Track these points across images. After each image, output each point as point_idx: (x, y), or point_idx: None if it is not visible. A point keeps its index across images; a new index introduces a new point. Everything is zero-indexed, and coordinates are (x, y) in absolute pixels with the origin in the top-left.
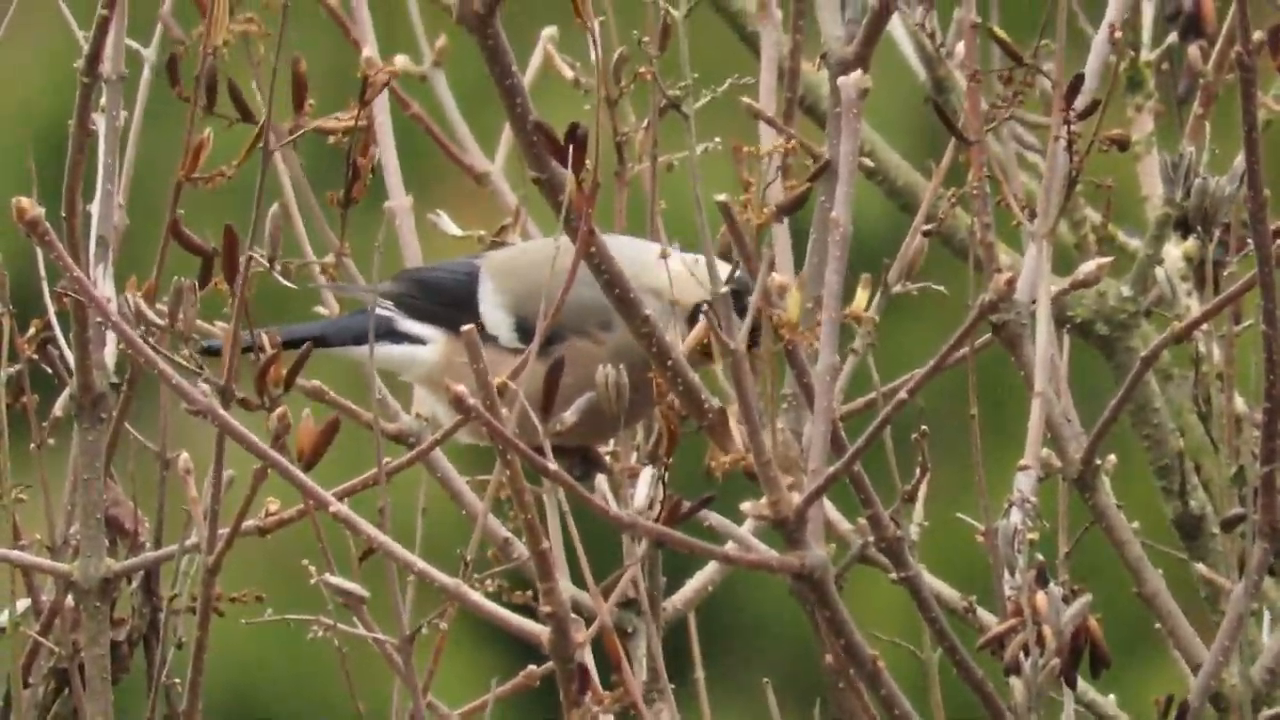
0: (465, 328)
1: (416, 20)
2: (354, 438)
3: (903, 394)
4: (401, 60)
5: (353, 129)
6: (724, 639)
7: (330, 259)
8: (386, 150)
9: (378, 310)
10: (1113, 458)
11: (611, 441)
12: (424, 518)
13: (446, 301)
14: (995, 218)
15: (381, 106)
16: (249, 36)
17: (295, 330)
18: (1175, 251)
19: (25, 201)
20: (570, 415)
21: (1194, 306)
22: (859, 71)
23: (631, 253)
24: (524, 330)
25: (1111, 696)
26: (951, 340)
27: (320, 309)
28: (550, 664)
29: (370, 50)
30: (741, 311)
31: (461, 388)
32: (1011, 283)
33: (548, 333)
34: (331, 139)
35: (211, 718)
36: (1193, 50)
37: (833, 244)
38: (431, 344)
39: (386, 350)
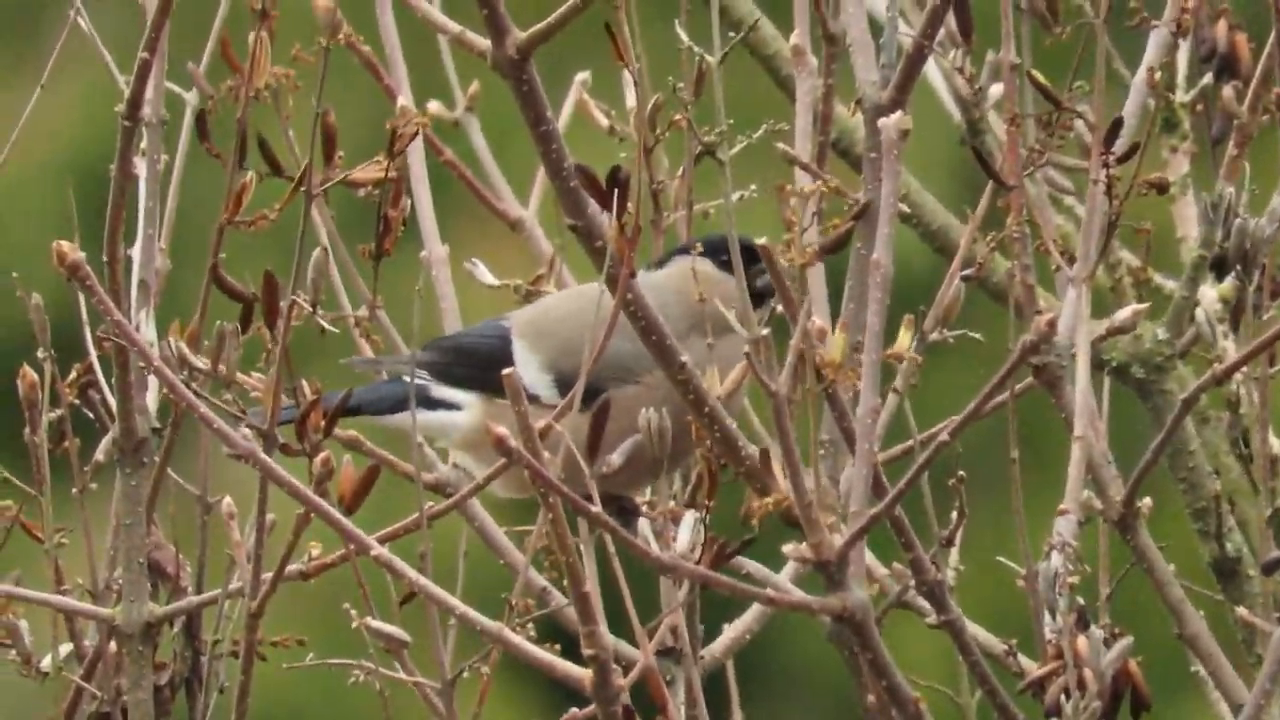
0: (506, 372)
1: (450, 65)
2: (390, 489)
3: (943, 435)
4: (434, 106)
5: (383, 181)
6: (760, 686)
7: (364, 311)
8: (421, 198)
9: (417, 380)
10: (1149, 500)
11: (648, 490)
12: (464, 563)
13: (481, 365)
14: (1033, 261)
15: (416, 156)
16: (280, 88)
17: (330, 399)
18: (1211, 293)
19: (66, 245)
20: (616, 458)
21: (1230, 348)
22: (899, 113)
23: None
24: (563, 385)
25: None
26: (993, 382)
27: (353, 357)
28: (590, 707)
29: (405, 99)
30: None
31: (504, 430)
32: (1053, 324)
33: (591, 383)
34: (362, 191)
35: None
36: (1227, 91)
37: (873, 285)
38: (467, 409)
39: (423, 417)
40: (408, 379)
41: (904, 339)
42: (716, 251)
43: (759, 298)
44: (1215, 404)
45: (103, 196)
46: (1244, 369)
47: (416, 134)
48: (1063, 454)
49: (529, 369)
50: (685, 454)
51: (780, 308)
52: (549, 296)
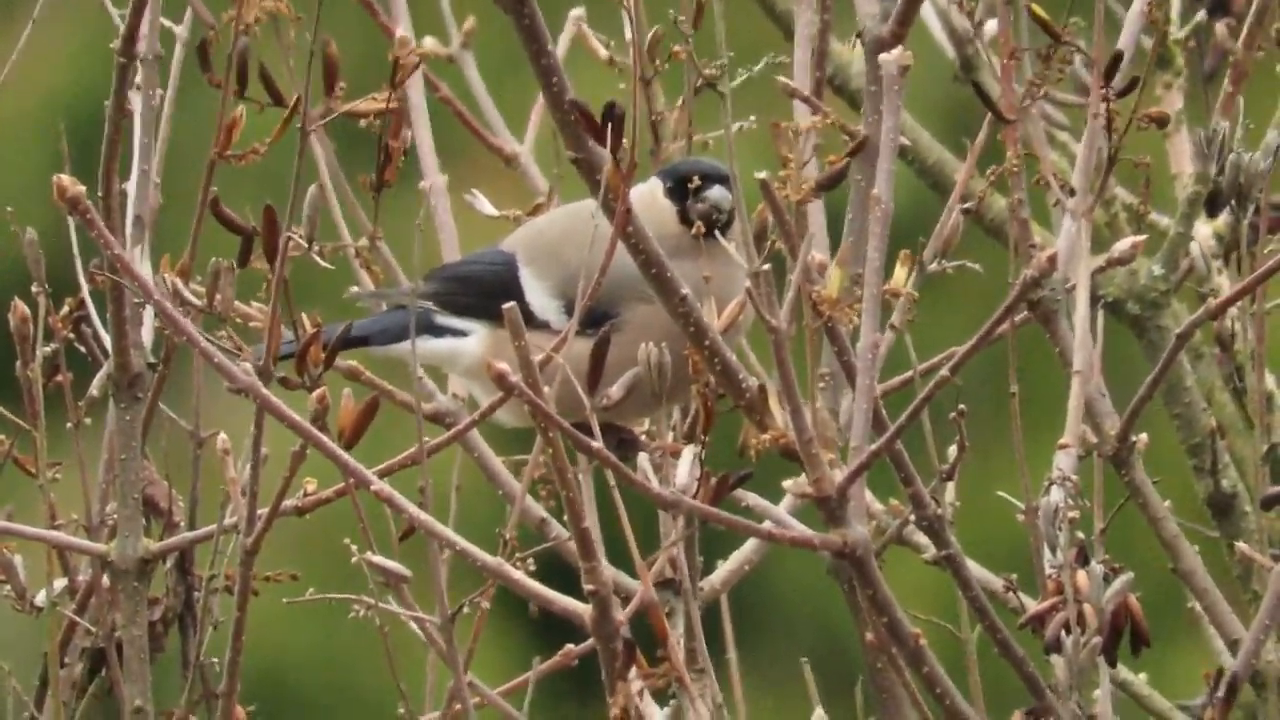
0: (507, 306)
1: (444, 2)
2: (389, 419)
3: (944, 371)
4: (430, 42)
5: (384, 112)
6: (756, 619)
7: (364, 242)
8: (421, 131)
9: (419, 310)
10: (1144, 436)
11: (647, 421)
12: (459, 497)
13: (487, 293)
14: (1029, 197)
15: (416, 87)
16: (279, 19)
17: (331, 331)
18: (1205, 229)
19: (66, 179)
20: (617, 391)
21: (1224, 283)
22: (899, 48)
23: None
24: (573, 310)
25: (1143, 675)
26: (994, 318)
27: (354, 289)
28: (588, 643)
29: (403, 30)
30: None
31: (503, 365)
32: (1053, 259)
33: (602, 306)
34: (363, 122)
35: (243, 698)
36: (1220, 28)
37: (874, 220)
38: (474, 335)
39: (429, 345)
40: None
41: (900, 275)
42: (666, 176)
43: (691, 223)
44: (1209, 339)
45: (96, 136)
46: (1238, 304)
47: (418, 65)
48: (1058, 389)
49: (538, 295)
50: (686, 383)
51: (780, 242)
52: (541, 218)
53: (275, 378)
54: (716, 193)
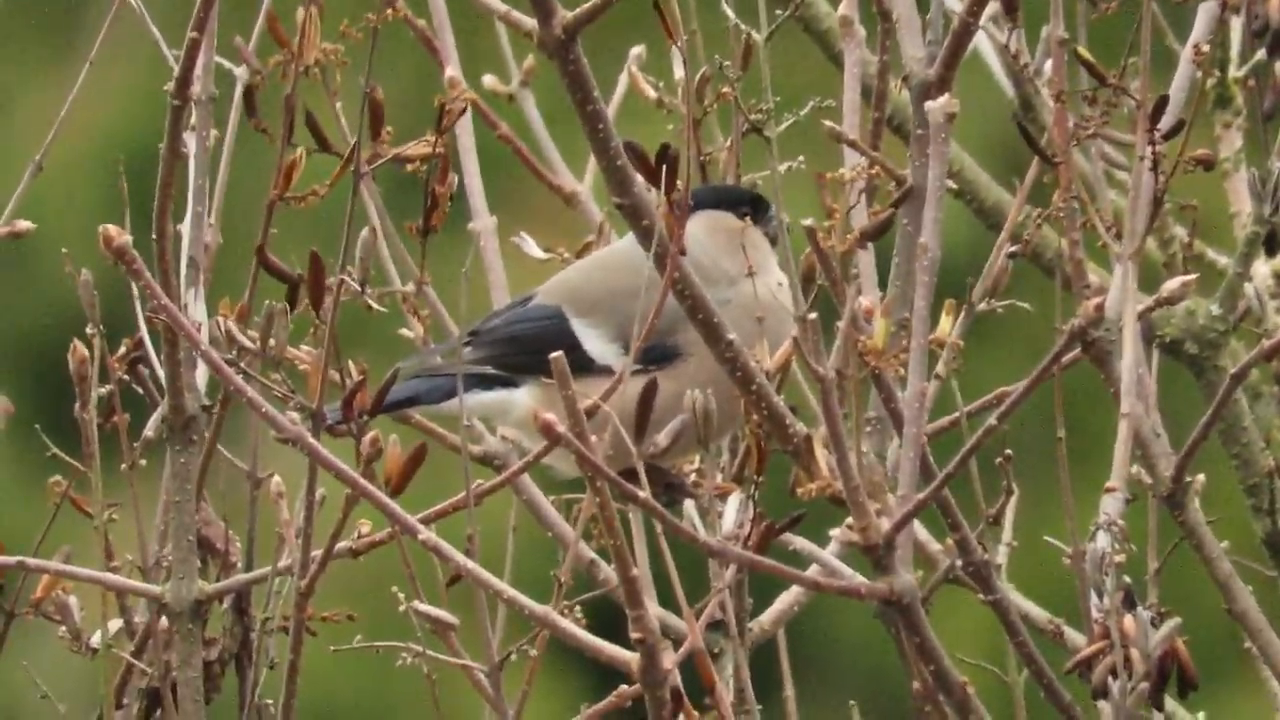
0: (554, 355)
1: (504, 40)
2: (439, 461)
3: (992, 420)
4: (489, 80)
5: (431, 157)
6: (804, 661)
7: (411, 287)
8: (470, 172)
9: (468, 371)
10: (1201, 477)
11: (696, 460)
12: (513, 538)
13: (540, 349)
14: (1084, 236)
15: (465, 128)
16: (328, 64)
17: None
18: (1264, 269)
19: (113, 229)
20: (664, 438)
21: None
22: (946, 96)
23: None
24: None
25: (1201, 716)
26: (1042, 365)
27: (405, 331)
28: (638, 688)
29: (453, 70)
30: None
31: (550, 415)
32: (1100, 307)
33: (661, 337)
34: (410, 167)
35: None
36: (1279, 66)
37: (920, 269)
38: (524, 387)
39: (480, 398)
40: (460, 365)
41: (945, 325)
42: (731, 203)
43: (773, 243)
44: (1268, 379)
45: (152, 177)
46: None
47: (465, 110)
48: (1112, 429)
49: (594, 342)
50: (732, 422)
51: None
52: (572, 271)
53: (324, 425)
54: (774, 213)
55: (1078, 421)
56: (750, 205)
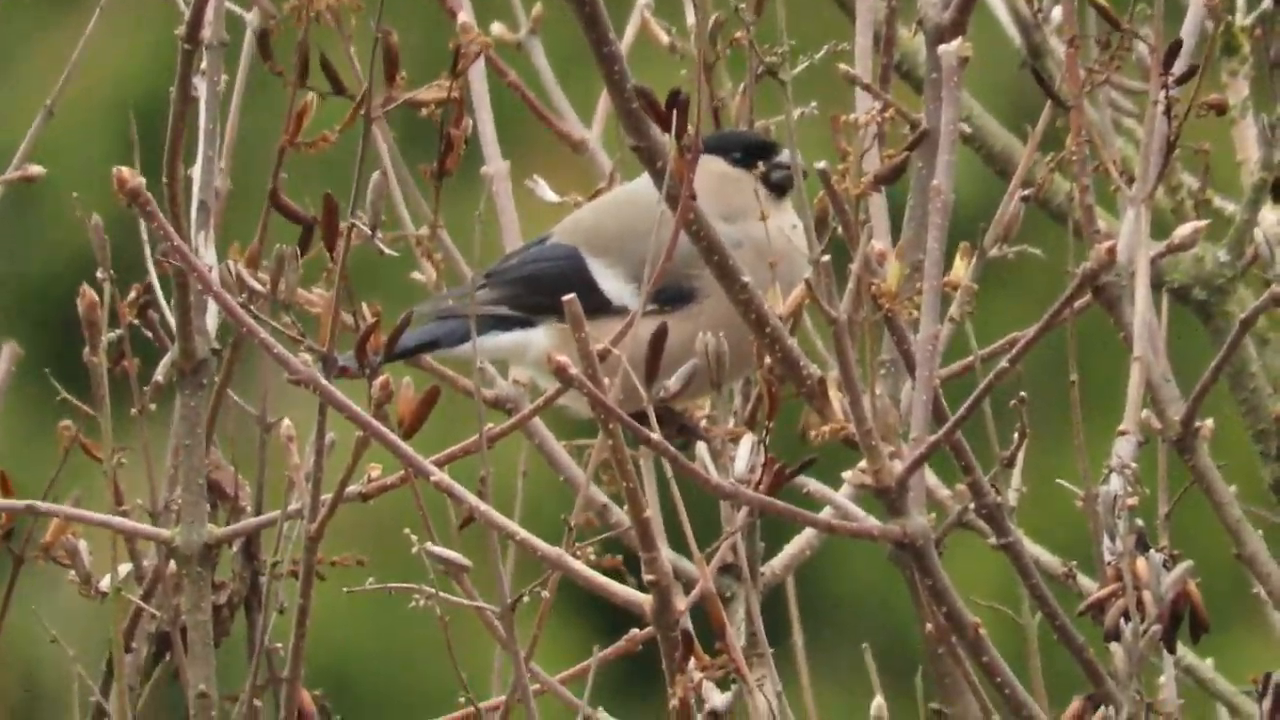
0: (567, 298)
1: None
2: (450, 405)
3: (1005, 362)
4: (497, 28)
5: (446, 101)
6: (811, 609)
7: (425, 231)
8: (483, 118)
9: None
10: (1210, 422)
11: (708, 405)
12: (523, 483)
13: (557, 290)
14: (1093, 183)
15: (478, 73)
16: (342, 8)
17: (405, 339)
18: (1271, 215)
19: (126, 171)
20: (675, 383)
21: None
22: (959, 40)
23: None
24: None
25: (1209, 660)
26: (1053, 309)
27: (417, 275)
28: (650, 629)
29: (465, 15)
30: (780, 184)
31: (564, 357)
32: (1112, 251)
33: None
34: (424, 111)
35: (306, 685)
36: None
37: (934, 211)
38: (541, 327)
39: (497, 340)
40: (477, 306)
41: (959, 268)
42: (726, 149)
43: (778, 189)
44: (1275, 326)
45: (162, 122)
46: None
47: (480, 53)
48: (1122, 375)
49: (611, 282)
50: (746, 364)
51: (840, 229)
52: (586, 210)
53: (337, 368)
54: (787, 158)
55: (1086, 369)
56: (745, 150)
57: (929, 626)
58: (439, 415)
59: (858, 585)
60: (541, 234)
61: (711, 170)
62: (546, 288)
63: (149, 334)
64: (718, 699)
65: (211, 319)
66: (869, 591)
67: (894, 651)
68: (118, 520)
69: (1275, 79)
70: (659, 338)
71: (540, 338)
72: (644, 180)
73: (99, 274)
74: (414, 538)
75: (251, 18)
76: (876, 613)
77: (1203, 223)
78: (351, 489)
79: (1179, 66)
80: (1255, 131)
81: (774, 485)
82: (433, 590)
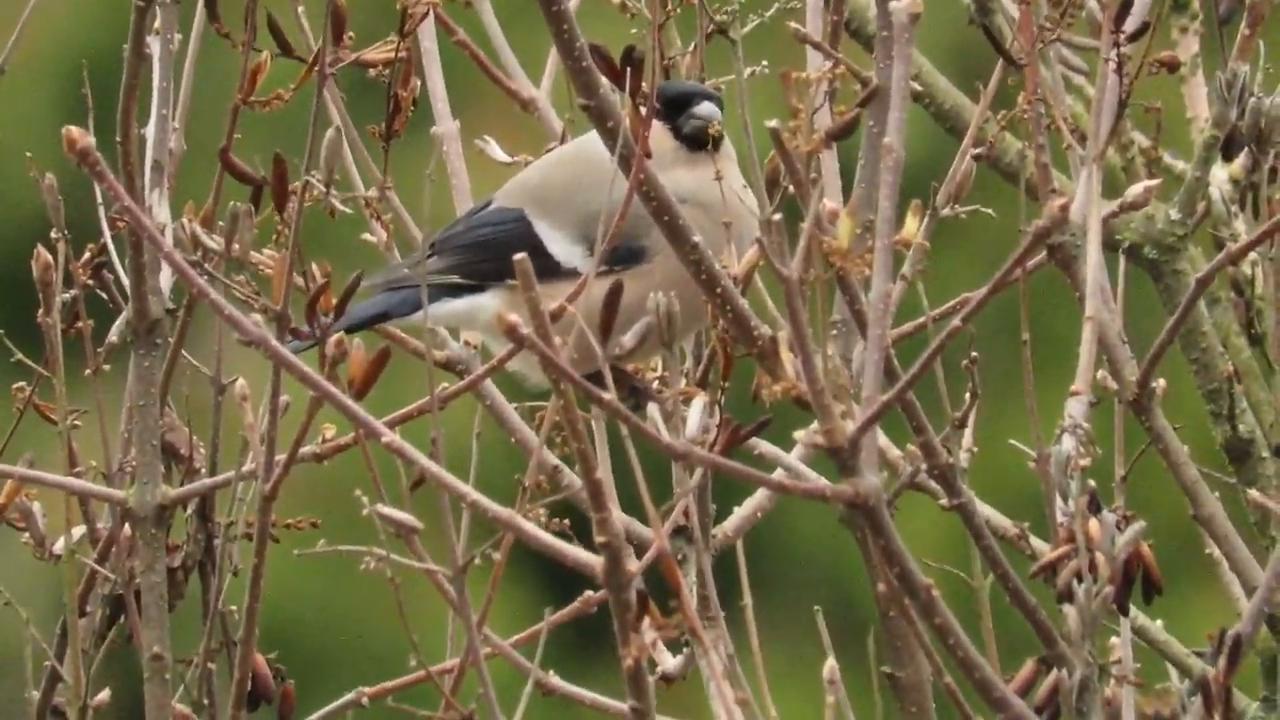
0: (518, 257)
1: None
2: (400, 368)
3: (957, 321)
4: None
5: (394, 61)
6: (764, 571)
7: (374, 192)
8: (433, 77)
9: (433, 284)
10: (1163, 382)
11: (659, 366)
12: (477, 444)
13: (505, 254)
14: (1047, 141)
15: (428, 33)
16: None
17: (357, 311)
18: (1222, 173)
19: (76, 131)
20: (629, 339)
21: (1241, 228)
22: None
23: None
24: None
25: (1159, 622)
26: (1005, 267)
27: (367, 236)
28: (603, 592)
29: None
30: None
31: (516, 317)
32: (1065, 208)
33: (627, 240)
34: (372, 71)
35: (259, 648)
36: None
37: (885, 170)
38: (491, 291)
39: (448, 307)
40: (426, 275)
41: (910, 225)
42: (660, 100)
43: (690, 141)
44: (1225, 284)
45: (114, 82)
46: (1257, 249)
47: (427, 13)
48: (1076, 335)
49: (559, 245)
50: (696, 322)
51: (791, 188)
52: (532, 170)
53: (289, 329)
54: (705, 109)
55: (1039, 330)
56: (664, 104)
57: (881, 587)
58: (389, 378)
59: (808, 546)
60: (485, 198)
61: None
62: (494, 253)
63: (103, 294)
64: (670, 662)
65: (166, 279)
66: (819, 553)
67: (844, 613)
68: (72, 481)
69: (1225, 36)
70: (614, 294)
71: (490, 302)
72: (588, 138)
73: (53, 234)
74: (365, 499)
75: None
76: (827, 574)
77: (1155, 181)
78: (306, 450)
79: (1131, 24)
80: (1204, 89)
81: (727, 445)
82: (384, 553)
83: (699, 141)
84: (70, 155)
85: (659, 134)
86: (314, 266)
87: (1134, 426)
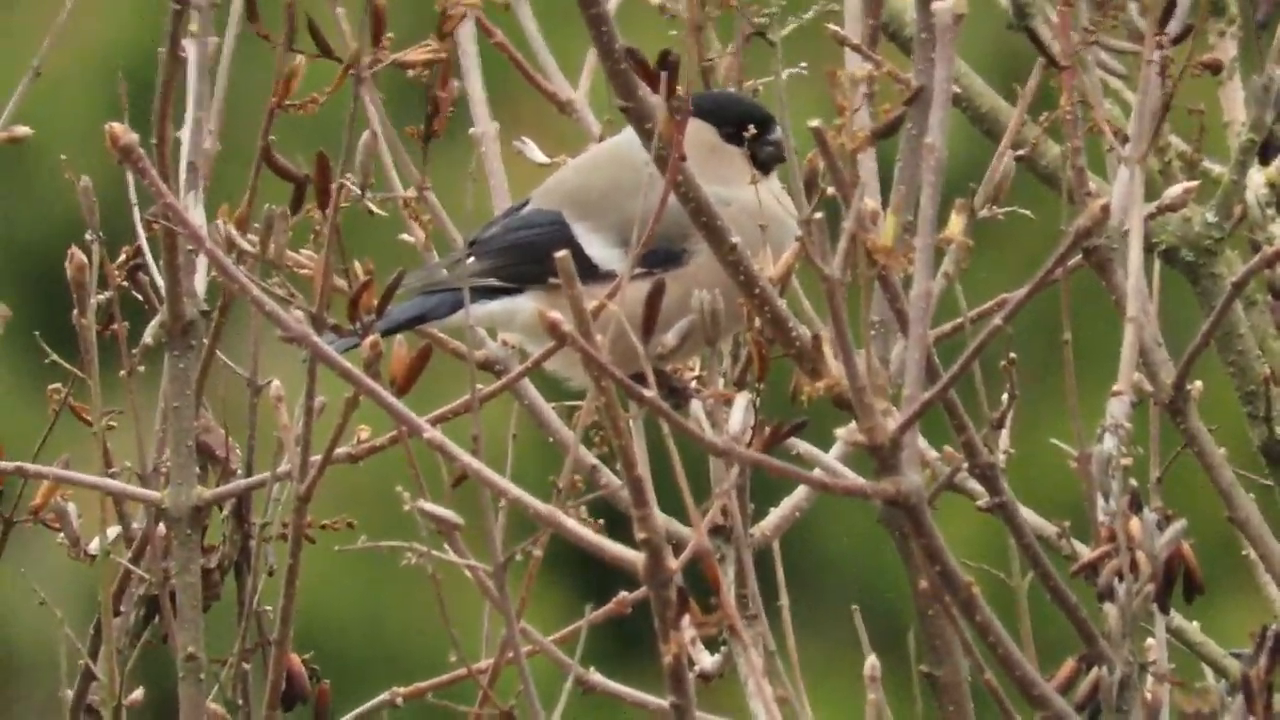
0: (559, 254)
1: None
2: (437, 369)
3: (997, 320)
4: None
5: (433, 62)
6: (802, 569)
7: (412, 193)
8: (472, 78)
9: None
10: (1199, 384)
11: (697, 366)
12: (513, 445)
13: (543, 257)
14: (1085, 144)
15: (468, 35)
16: None
17: (394, 314)
18: (1259, 177)
19: (118, 127)
20: (672, 338)
21: (1278, 231)
22: None
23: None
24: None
25: (1195, 623)
26: (1046, 267)
27: (405, 236)
28: (641, 590)
29: None
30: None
31: (556, 314)
32: (1106, 209)
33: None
34: (411, 73)
35: (295, 647)
36: None
37: (927, 169)
38: (529, 292)
39: (485, 309)
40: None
41: (955, 223)
42: (719, 120)
43: (765, 167)
44: (1261, 287)
45: (151, 84)
46: None
47: (465, 14)
48: (1112, 336)
49: (598, 247)
50: (735, 324)
51: (832, 189)
52: (567, 171)
53: (328, 326)
54: (778, 134)
55: (1079, 331)
56: (738, 124)
57: (922, 584)
58: (426, 378)
59: (845, 546)
60: (523, 198)
61: (701, 140)
62: (531, 256)
63: (138, 296)
64: (707, 660)
65: (200, 280)
66: (857, 552)
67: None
68: (107, 482)
69: (1262, 40)
70: (656, 294)
71: (527, 304)
72: (625, 137)
73: (88, 236)
74: (406, 495)
75: None
76: (863, 573)
77: (1194, 184)
78: (341, 451)
79: (1173, 26)
80: (1241, 93)
81: (767, 445)
82: (424, 549)
83: (770, 167)
84: (113, 152)
85: (729, 157)
86: (356, 265)
87: (1170, 429)
